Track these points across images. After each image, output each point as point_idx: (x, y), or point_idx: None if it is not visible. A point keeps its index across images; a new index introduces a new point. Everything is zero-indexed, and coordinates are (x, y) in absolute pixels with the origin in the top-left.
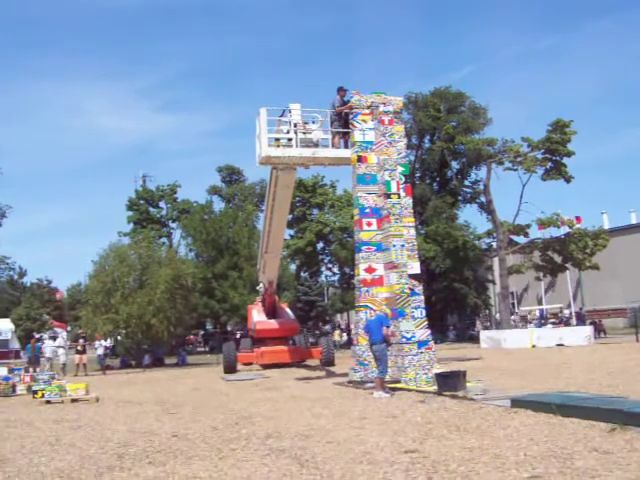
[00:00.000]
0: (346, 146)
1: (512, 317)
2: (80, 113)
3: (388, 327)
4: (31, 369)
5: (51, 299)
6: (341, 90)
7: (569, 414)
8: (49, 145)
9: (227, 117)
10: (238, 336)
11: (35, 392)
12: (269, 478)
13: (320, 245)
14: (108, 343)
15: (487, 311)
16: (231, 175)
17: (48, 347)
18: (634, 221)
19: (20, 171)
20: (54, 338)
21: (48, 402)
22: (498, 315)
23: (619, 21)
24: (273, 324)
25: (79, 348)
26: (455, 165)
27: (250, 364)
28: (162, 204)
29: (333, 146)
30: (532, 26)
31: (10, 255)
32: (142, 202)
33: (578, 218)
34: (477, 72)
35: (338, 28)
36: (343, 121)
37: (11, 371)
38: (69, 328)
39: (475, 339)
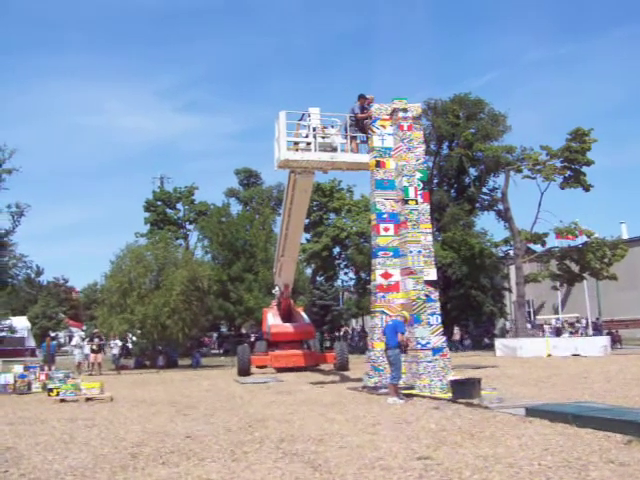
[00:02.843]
0: (357, 150)
1: (529, 326)
2: (101, 112)
3: (403, 334)
4: (46, 367)
5: (67, 298)
6: (362, 97)
7: (585, 425)
8: (69, 144)
9: (247, 119)
10: (252, 339)
11: (50, 390)
12: None
13: (336, 250)
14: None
15: (502, 319)
16: (249, 178)
17: (77, 351)
18: None
19: (39, 170)
20: (70, 337)
21: (63, 400)
22: (508, 324)
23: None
24: (288, 328)
25: (94, 347)
26: (473, 172)
27: (264, 367)
28: (179, 206)
29: (351, 151)
30: (553, 32)
31: (28, 253)
32: (159, 203)
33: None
34: (498, 79)
35: (359, 33)
36: (360, 127)
37: (27, 369)
38: (84, 327)
39: (490, 347)
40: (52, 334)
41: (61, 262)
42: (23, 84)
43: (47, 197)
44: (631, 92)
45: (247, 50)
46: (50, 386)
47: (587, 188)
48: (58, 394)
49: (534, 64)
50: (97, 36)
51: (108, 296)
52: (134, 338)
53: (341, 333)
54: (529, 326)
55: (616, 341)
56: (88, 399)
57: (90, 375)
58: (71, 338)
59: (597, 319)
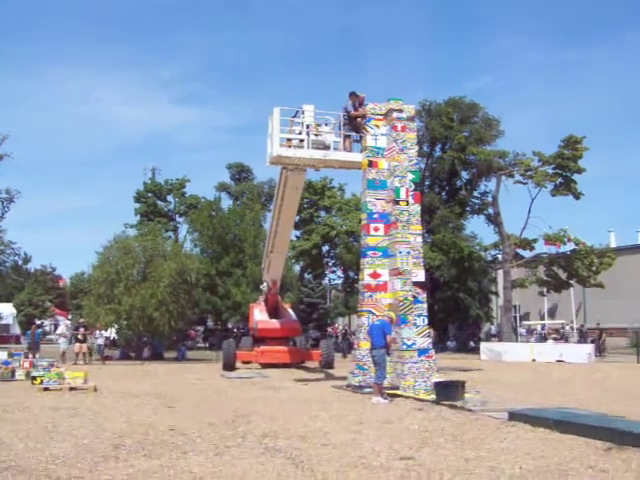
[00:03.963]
0: (350, 149)
1: (524, 331)
2: (95, 101)
3: (390, 334)
4: (30, 355)
5: (54, 286)
6: (353, 95)
7: (566, 430)
8: (62, 132)
9: (241, 114)
10: (236, 333)
11: (34, 378)
12: (263, 477)
13: (326, 248)
14: (109, 333)
15: (488, 323)
16: (240, 173)
17: (62, 340)
18: None
19: (30, 157)
20: (56, 326)
21: (46, 389)
22: (493, 328)
23: None
24: (274, 324)
25: (80, 337)
26: (465, 175)
27: (249, 362)
28: (170, 198)
29: (344, 150)
30: (553, 38)
31: (16, 240)
32: (150, 195)
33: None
34: (495, 83)
35: (356, 30)
36: (353, 125)
37: (11, 355)
38: (70, 316)
39: (475, 350)
40: (37, 322)
41: (49, 250)
42: (17, 69)
43: (37, 184)
44: (626, 101)
45: (244, 45)
46: (34, 374)
47: (577, 196)
48: (42, 382)
49: (534, 67)
50: (95, 23)
51: (95, 286)
52: (117, 328)
53: (339, 331)
54: (523, 331)
55: (601, 349)
56: (72, 389)
57: (75, 364)
58: (57, 326)
59: (582, 326)
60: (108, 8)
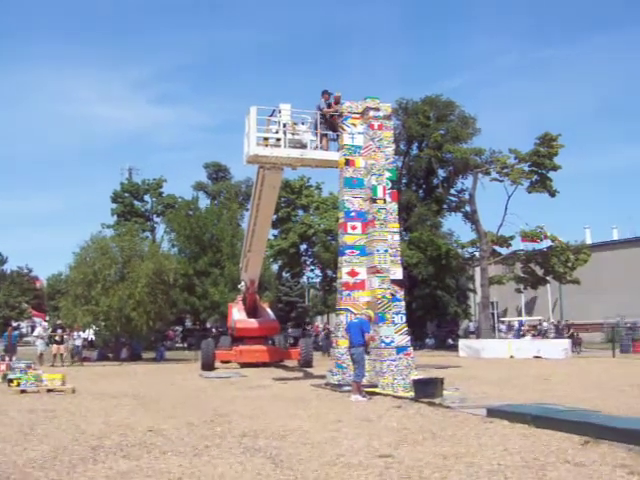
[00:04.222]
0: (327, 148)
1: (504, 327)
2: (71, 101)
3: (368, 333)
4: (7, 357)
5: (31, 288)
6: (325, 93)
7: (544, 426)
8: (37, 132)
9: (218, 113)
10: (214, 333)
11: (11, 381)
12: (243, 477)
13: (303, 246)
14: (86, 334)
15: (467, 320)
16: (217, 172)
17: (39, 342)
18: (616, 237)
19: (7, 157)
20: (33, 327)
21: (23, 391)
22: (472, 325)
23: (617, 37)
24: (253, 323)
25: (57, 338)
26: (442, 173)
27: (228, 362)
28: (147, 198)
29: (321, 148)
30: (531, 35)
31: None
32: (127, 195)
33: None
34: (471, 81)
35: (334, 30)
36: (329, 124)
37: None
38: (47, 318)
39: (453, 347)
40: (14, 324)
41: (25, 251)
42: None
43: (13, 184)
44: (601, 99)
45: (221, 43)
46: (11, 376)
47: (553, 193)
48: (19, 385)
49: (510, 66)
50: (74, 24)
51: (72, 287)
52: (95, 329)
53: (321, 330)
54: (504, 327)
55: (577, 344)
56: (49, 390)
57: (52, 366)
58: (34, 328)
59: (558, 322)
60: (85, 8)
